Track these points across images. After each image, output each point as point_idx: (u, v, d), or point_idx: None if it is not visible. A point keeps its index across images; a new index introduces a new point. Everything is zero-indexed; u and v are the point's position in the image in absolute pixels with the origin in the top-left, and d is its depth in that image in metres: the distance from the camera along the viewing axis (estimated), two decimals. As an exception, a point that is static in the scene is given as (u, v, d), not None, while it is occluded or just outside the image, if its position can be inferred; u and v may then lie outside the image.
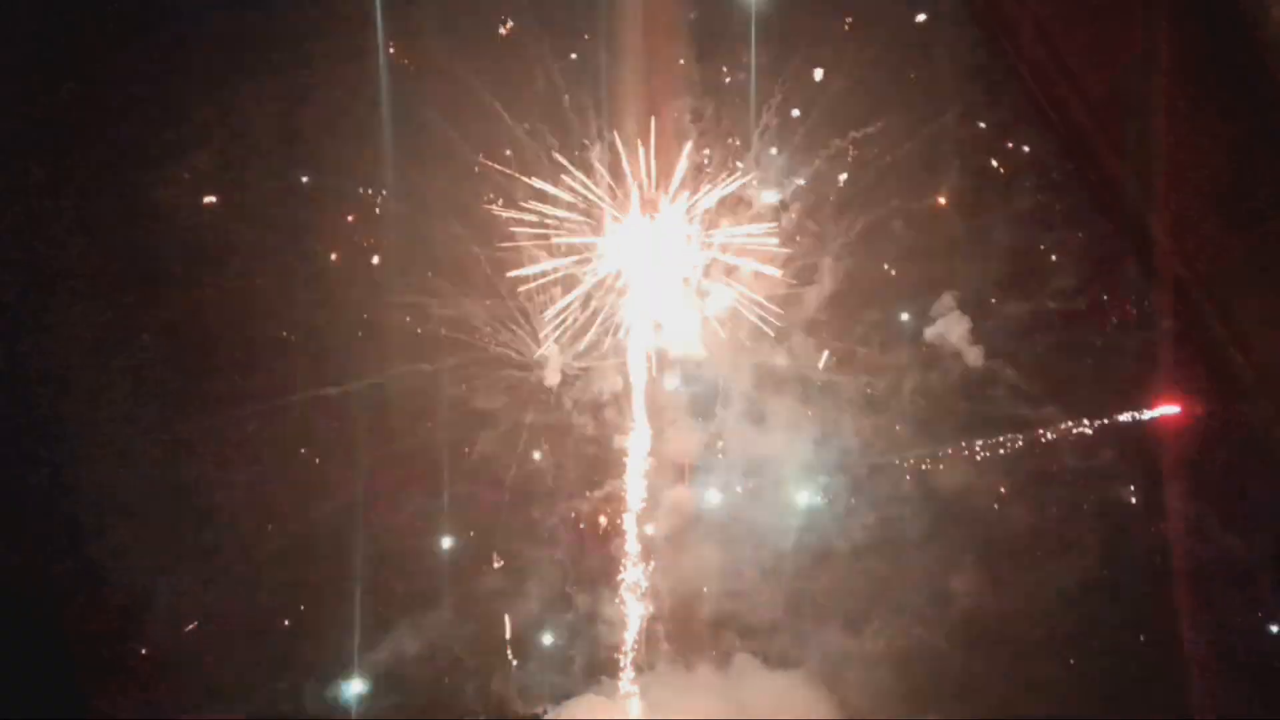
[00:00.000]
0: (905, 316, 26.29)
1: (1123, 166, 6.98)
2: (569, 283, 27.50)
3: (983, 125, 24.96)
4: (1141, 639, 22.41)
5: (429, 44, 25.82)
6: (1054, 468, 24.81)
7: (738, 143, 26.32)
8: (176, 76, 25.03)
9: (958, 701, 23.82)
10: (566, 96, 26.14)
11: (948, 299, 25.91)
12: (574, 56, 25.80)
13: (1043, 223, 25.27)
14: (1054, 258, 25.36)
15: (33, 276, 25.25)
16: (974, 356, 25.49)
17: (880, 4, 24.70)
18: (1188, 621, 21.26)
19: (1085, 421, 24.38)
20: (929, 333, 25.93)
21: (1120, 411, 23.97)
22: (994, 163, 25.30)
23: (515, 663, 26.62)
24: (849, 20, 24.98)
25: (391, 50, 25.98)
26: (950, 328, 25.66)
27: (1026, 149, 25.04)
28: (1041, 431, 24.71)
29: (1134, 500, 23.45)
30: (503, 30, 26.36)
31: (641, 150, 25.66)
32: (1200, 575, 21.72)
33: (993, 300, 25.66)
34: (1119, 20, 6.00)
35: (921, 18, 24.37)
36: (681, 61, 26.01)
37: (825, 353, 26.65)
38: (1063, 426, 24.64)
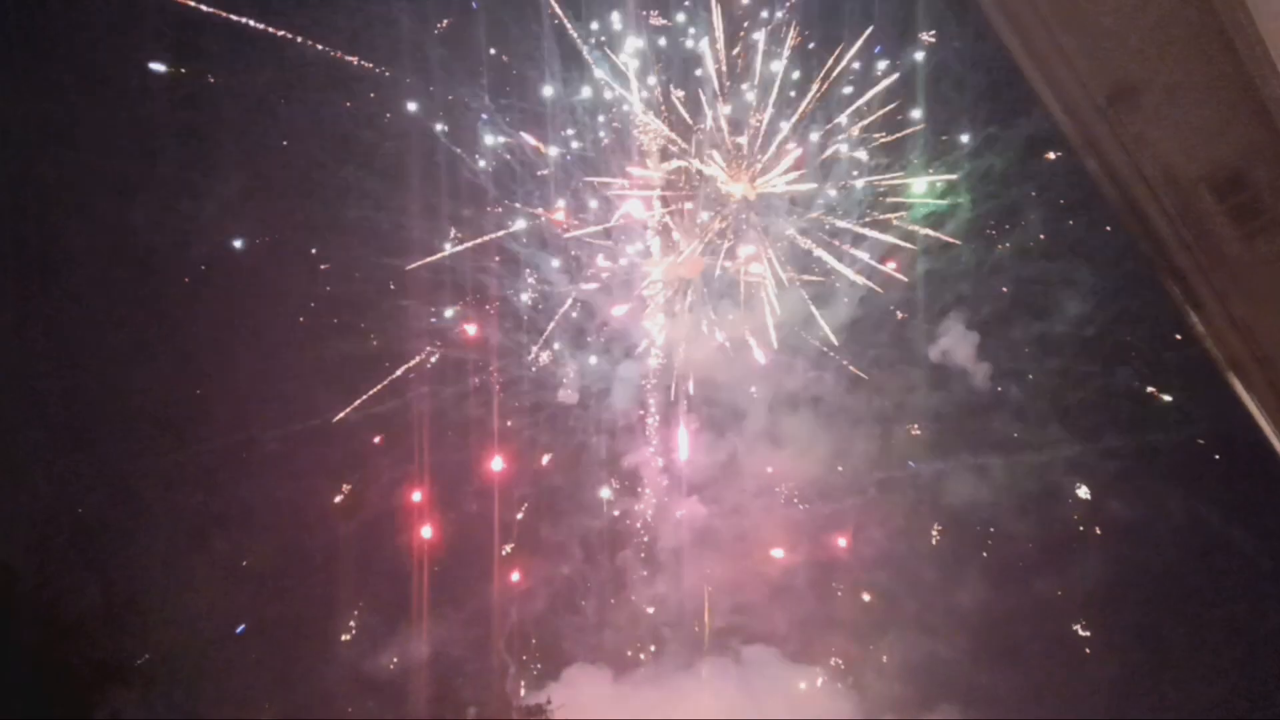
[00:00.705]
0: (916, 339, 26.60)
1: (1125, 159, 7.49)
2: (589, 307, 28.05)
3: (997, 150, 25.24)
4: (1148, 643, 22.45)
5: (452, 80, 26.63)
6: (1059, 481, 25.00)
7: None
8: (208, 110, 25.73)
9: (962, 704, 23.96)
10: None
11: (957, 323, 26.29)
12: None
13: (1050, 251, 25.63)
14: (1061, 284, 25.63)
15: (58, 294, 25.79)
16: (981, 377, 25.83)
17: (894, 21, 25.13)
18: (1192, 625, 21.36)
19: (1088, 437, 24.55)
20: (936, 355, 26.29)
21: (1121, 426, 24.17)
22: (1005, 190, 25.67)
23: (527, 660, 26.85)
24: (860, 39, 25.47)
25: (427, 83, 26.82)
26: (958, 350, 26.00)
27: (1040, 178, 25.25)
28: (1046, 448, 24.89)
29: (1140, 507, 23.55)
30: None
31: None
32: (1205, 579, 21.85)
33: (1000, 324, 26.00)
34: (1125, 16, 6.53)
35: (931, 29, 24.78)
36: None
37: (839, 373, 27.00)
38: (1065, 443, 24.83)
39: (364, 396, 27.03)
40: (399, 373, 27.18)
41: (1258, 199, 7.23)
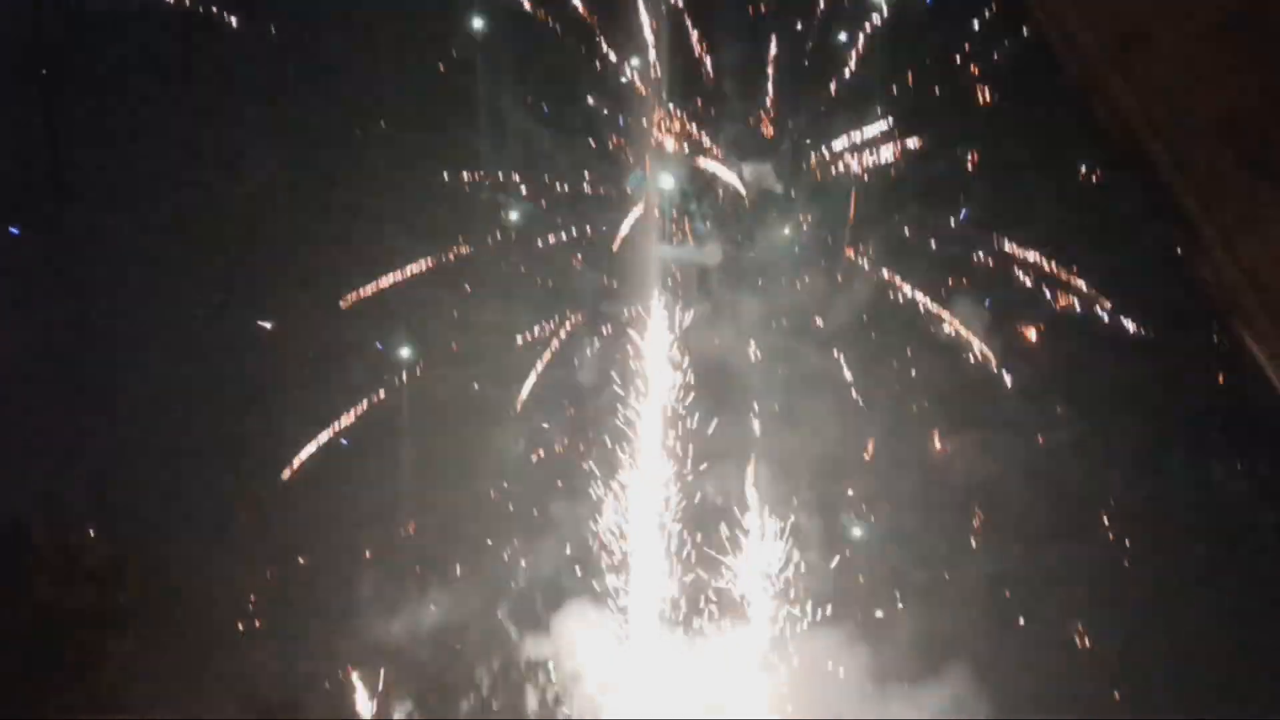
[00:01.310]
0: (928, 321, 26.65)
1: (1134, 104, 7.41)
2: (608, 292, 28.24)
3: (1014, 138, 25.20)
4: (1152, 635, 22.38)
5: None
6: (1068, 464, 24.95)
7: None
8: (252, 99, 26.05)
9: (968, 680, 23.97)
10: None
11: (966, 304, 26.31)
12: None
13: (1064, 236, 25.64)
14: (1073, 265, 25.64)
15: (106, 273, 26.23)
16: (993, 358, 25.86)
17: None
18: (1199, 615, 21.23)
19: (1095, 417, 24.51)
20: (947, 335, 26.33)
21: (1136, 405, 24.11)
22: (1019, 172, 25.64)
23: (530, 625, 27.07)
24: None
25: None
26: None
27: (1054, 163, 25.20)
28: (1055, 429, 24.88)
29: (1153, 485, 23.50)
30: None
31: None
32: (1213, 563, 21.72)
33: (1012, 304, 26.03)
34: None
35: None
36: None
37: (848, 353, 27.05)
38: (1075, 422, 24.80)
39: (384, 380, 27.45)
40: (419, 362, 27.60)
41: (1268, 142, 7.14)
